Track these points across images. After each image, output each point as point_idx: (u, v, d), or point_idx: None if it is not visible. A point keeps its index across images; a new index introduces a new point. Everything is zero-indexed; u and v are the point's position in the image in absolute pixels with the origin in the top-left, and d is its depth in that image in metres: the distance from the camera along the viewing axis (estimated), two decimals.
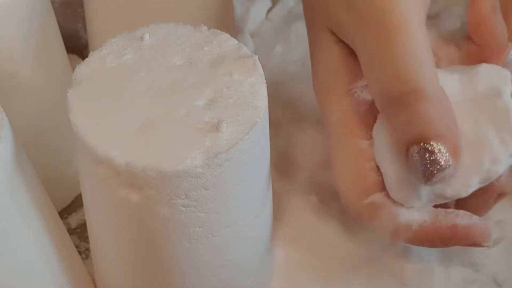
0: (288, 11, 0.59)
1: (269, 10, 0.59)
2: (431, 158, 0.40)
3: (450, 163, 0.40)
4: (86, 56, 0.40)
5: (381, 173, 0.43)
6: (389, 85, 0.41)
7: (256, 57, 0.39)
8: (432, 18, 0.55)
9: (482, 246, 0.43)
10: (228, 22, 0.53)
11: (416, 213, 0.43)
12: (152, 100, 0.38)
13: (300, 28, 0.57)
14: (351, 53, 0.43)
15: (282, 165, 0.51)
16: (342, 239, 0.47)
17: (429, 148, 0.40)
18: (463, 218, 0.43)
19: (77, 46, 0.58)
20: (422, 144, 0.40)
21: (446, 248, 0.46)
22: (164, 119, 0.37)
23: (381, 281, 0.46)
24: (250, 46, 0.57)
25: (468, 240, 0.43)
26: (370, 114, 0.44)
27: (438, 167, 0.40)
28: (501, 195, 0.44)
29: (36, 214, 0.40)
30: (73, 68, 0.39)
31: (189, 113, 0.37)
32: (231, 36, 0.40)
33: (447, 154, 0.40)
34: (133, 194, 0.37)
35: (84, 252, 0.50)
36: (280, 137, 0.51)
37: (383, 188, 0.43)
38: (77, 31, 0.59)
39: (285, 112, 0.53)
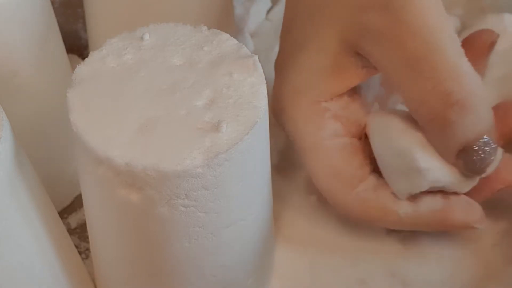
0: None
1: (269, 10, 0.59)
2: (481, 156, 0.42)
3: (494, 146, 0.42)
4: (86, 56, 0.40)
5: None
6: (432, 100, 0.41)
7: (256, 57, 0.39)
8: None
9: (475, 227, 0.44)
10: (228, 22, 0.53)
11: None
12: (152, 100, 0.38)
13: None
14: (351, 66, 0.43)
15: (282, 165, 0.51)
16: (342, 239, 0.47)
17: (476, 148, 0.42)
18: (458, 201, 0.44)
19: (77, 46, 0.58)
20: (470, 148, 0.42)
21: (446, 247, 0.46)
22: (164, 119, 0.37)
23: (381, 281, 0.46)
24: (250, 46, 0.57)
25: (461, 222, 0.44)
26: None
27: (487, 160, 0.42)
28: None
29: (36, 214, 0.40)
30: (73, 68, 0.39)
31: (189, 113, 0.37)
32: (231, 36, 0.40)
33: (491, 142, 0.42)
34: (133, 194, 0.37)
35: (84, 252, 0.50)
36: (280, 137, 0.51)
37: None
38: (77, 31, 0.59)
39: None
